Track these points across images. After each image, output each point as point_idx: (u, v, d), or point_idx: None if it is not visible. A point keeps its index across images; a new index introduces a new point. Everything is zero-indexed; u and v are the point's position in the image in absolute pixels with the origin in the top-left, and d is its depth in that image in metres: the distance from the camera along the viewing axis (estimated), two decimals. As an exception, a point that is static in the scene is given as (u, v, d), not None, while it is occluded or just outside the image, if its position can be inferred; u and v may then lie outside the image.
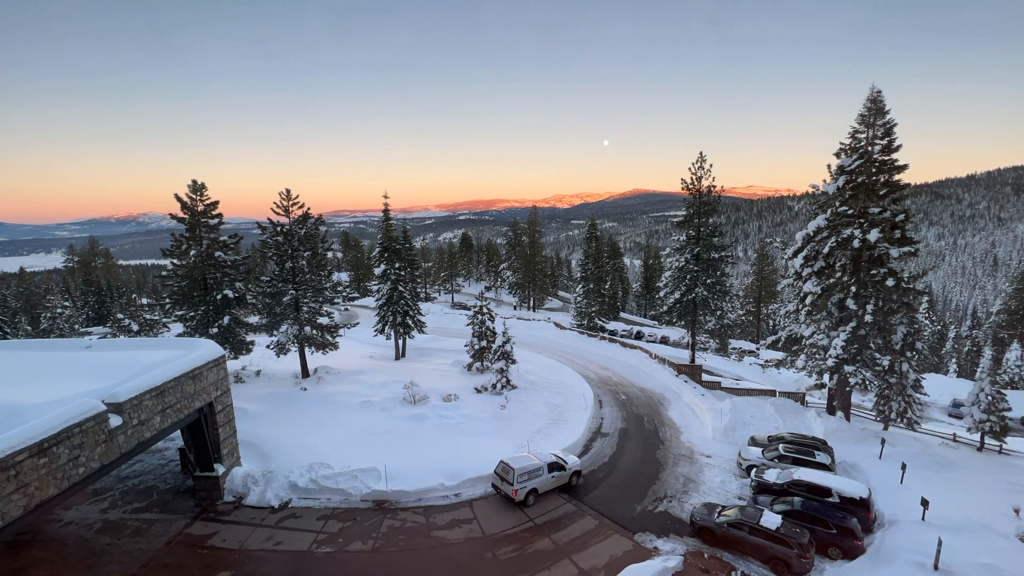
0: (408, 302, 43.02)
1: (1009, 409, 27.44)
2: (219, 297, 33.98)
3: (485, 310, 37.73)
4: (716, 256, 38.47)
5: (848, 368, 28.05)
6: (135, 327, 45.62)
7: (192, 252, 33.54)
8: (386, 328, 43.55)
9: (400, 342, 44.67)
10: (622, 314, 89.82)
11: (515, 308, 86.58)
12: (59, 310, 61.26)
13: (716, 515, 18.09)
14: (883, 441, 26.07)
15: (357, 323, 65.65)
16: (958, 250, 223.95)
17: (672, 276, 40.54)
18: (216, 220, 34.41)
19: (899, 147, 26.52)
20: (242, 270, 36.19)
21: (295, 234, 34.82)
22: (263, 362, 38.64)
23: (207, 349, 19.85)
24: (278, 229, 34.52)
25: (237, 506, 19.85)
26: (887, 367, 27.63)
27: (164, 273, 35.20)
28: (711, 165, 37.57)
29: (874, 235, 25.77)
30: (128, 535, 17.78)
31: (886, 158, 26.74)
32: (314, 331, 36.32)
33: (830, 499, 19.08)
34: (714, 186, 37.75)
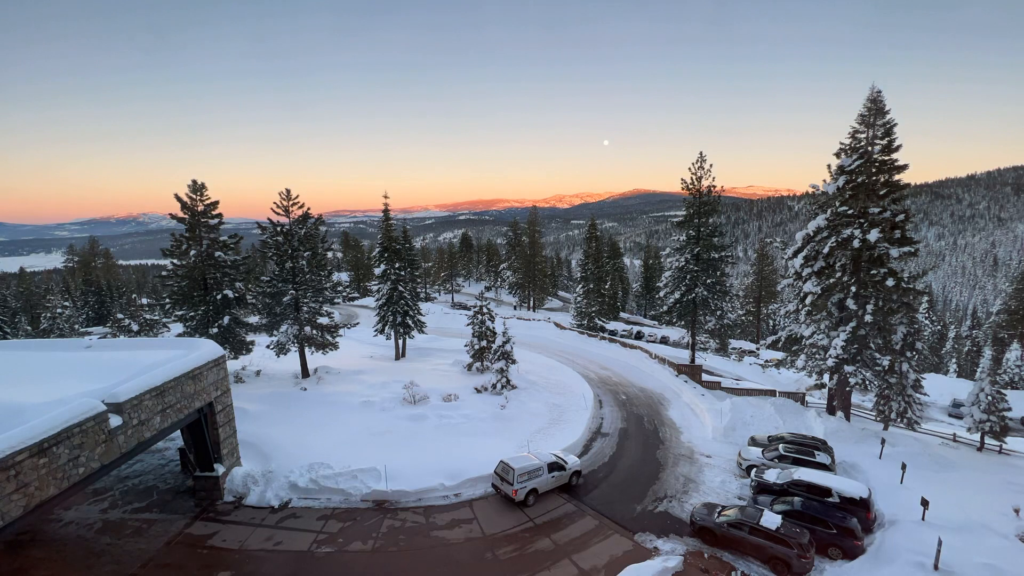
0: (408, 302, 43.02)
1: (1009, 409, 27.44)
2: (219, 297, 33.98)
3: (485, 310, 37.74)
4: (716, 256, 38.48)
5: (848, 368, 28.05)
6: (135, 327, 45.63)
7: (192, 252, 33.55)
8: (386, 328, 43.55)
9: (400, 342, 44.67)
10: (622, 314, 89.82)
11: (515, 308, 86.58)
12: (59, 310, 61.27)
13: (716, 515, 18.09)
14: (883, 441, 26.07)
15: (357, 323, 65.65)
16: (958, 250, 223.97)
17: (672, 276, 40.54)
18: (216, 220, 34.42)
19: (899, 147, 26.52)
20: (242, 270, 36.19)
21: (295, 234, 34.82)
22: (263, 362, 38.64)
23: (207, 349, 19.85)
24: (278, 229, 34.52)
25: (237, 506, 19.85)
26: (887, 367, 27.63)
27: (164, 273, 35.20)
28: (711, 165, 37.62)
29: (874, 235, 25.77)
30: (128, 535, 17.78)
31: (886, 158, 26.74)
32: (314, 331, 36.32)
33: (830, 499, 19.08)
34: (714, 186, 37.76)
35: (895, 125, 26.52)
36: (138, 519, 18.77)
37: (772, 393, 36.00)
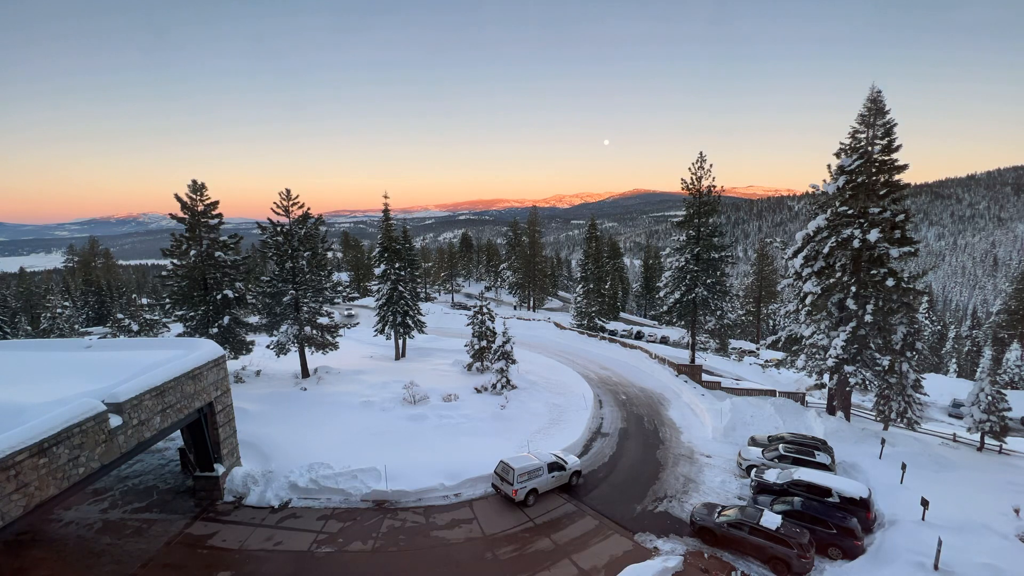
0: (408, 302, 43.02)
1: (1009, 409, 27.45)
2: (219, 297, 33.98)
3: (485, 310, 37.74)
4: (716, 256, 38.49)
5: (848, 368, 28.05)
6: (135, 327, 45.63)
7: (192, 252, 33.55)
8: (386, 328, 43.55)
9: (400, 342, 44.67)
10: (622, 314, 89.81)
11: (515, 308, 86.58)
12: (59, 310, 61.24)
13: (716, 515, 18.09)
14: (883, 441, 26.07)
15: (357, 323, 65.65)
16: (958, 250, 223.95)
17: (672, 276, 40.55)
18: (216, 220, 34.42)
19: (899, 147, 26.52)
20: (242, 270, 36.19)
21: (295, 234, 34.82)
22: (263, 362, 38.64)
23: (207, 349, 19.86)
24: (278, 229, 34.52)
25: (237, 506, 19.85)
26: (887, 367, 27.63)
27: (164, 273, 35.21)
28: (711, 165, 37.64)
29: (874, 235, 25.77)
30: (128, 535, 17.79)
31: (886, 158, 26.75)
32: (314, 331, 36.33)
33: (830, 499, 19.08)
34: (714, 186, 37.77)
35: (895, 125, 26.53)
36: (138, 519, 18.77)
37: (772, 393, 36.00)
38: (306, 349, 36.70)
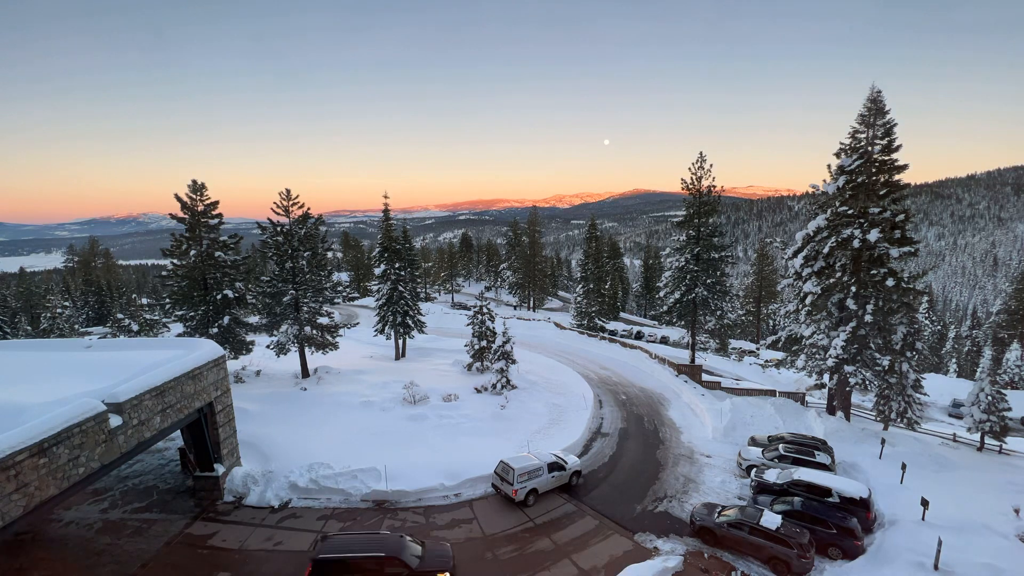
0: (408, 302, 43.02)
1: (1009, 409, 27.45)
2: (219, 297, 33.99)
3: (485, 310, 37.74)
4: (716, 256, 38.48)
5: (848, 368, 28.05)
6: (135, 327, 45.67)
7: (192, 252, 33.56)
8: (386, 328, 43.55)
9: (400, 342, 44.67)
10: (622, 314, 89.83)
11: (515, 308, 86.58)
12: (59, 310, 61.24)
13: (716, 515, 18.09)
14: (883, 441, 26.07)
15: (357, 323, 65.66)
16: (958, 250, 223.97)
17: (672, 276, 40.55)
18: (216, 220, 34.44)
19: (899, 147, 26.52)
20: (242, 270, 36.21)
21: (295, 234, 34.82)
22: (263, 362, 38.64)
23: (207, 349, 19.86)
24: (278, 229, 34.52)
25: (237, 506, 19.85)
26: (887, 367, 27.63)
27: (164, 273, 35.23)
28: (711, 165, 37.63)
29: (874, 235, 25.77)
30: (128, 535, 17.79)
31: (886, 158, 26.75)
32: (314, 331, 36.33)
33: (830, 499, 19.08)
34: (714, 186, 37.77)
35: (895, 125, 26.52)
36: (138, 519, 18.77)
37: (772, 393, 35.99)
38: (306, 349, 36.71)
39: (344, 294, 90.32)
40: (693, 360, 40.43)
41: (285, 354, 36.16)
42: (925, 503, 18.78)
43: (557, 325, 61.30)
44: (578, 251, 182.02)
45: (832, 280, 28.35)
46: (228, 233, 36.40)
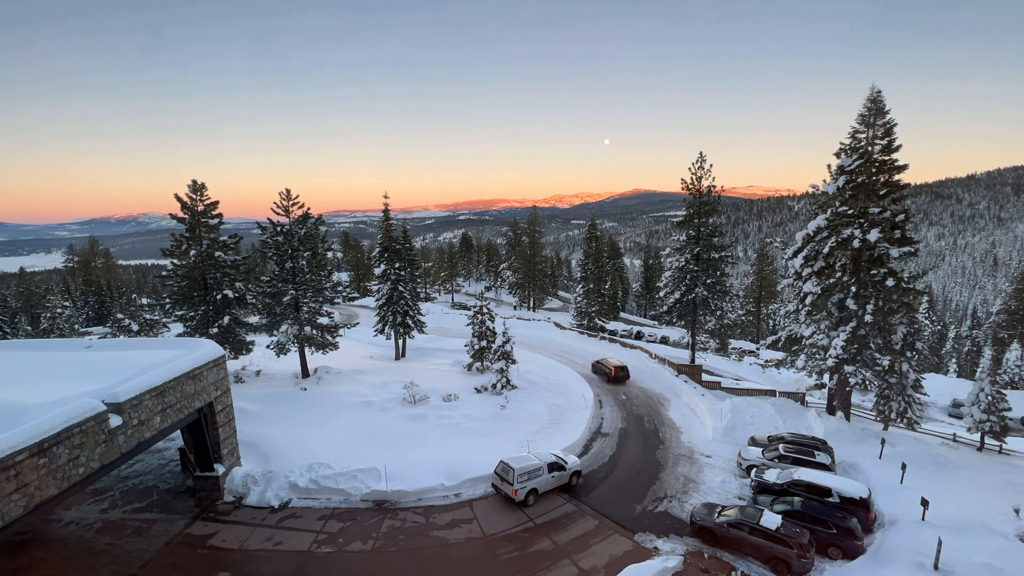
0: (408, 302, 43.02)
1: (1009, 409, 27.46)
2: (219, 297, 33.99)
3: (485, 310, 37.74)
4: (716, 256, 38.49)
5: (848, 368, 28.05)
6: (135, 327, 45.67)
7: (192, 252, 33.56)
8: (386, 328, 43.55)
9: (400, 342, 44.67)
10: (622, 314, 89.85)
11: (515, 308, 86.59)
12: (59, 310, 61.23)
13: (716, 515, 18.09)
14: (883, 441, 26.08)
15: (357, 323, 65.66)
16: (958, 250, 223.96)
17: (672, 276, 40.55)
18: (216, 220, 34.44)
19: (899, 147, 26.52)
20: (242, 270, 36.20)
21: (295, 234, 34.82)
22: (263, 362, 38.64)
23: (207, 349, 19.86)
24: (278, 229, 34.51)
25: (237, 506, 19.85)
26: (887, 367, 27.63)
27: (164, 273, 35.23)
28: (711, 165, 37.65)
29: (874, 235, 25.77)
30: (128, 535, 17.79)
31: (886, 158, 26.75)
32: (314, 331, 36.32)
33: (830, 499, 19.07)
34: (714, 186, 37.79)
35: (895, 125, 26.53)
36: (138, 519, 18.77)
37: (772, 393, 35.99)
38: (306, 349, 36.70)
39: (344, 294, 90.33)
40: (693, 360, 40.43)
41: (285, 354, 36.15)
42: (925, 503, 18.78)
43: (557, 325, 61.30)
44: (578, 251, 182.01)
45: (832, 280, 28.35)
46: (228, 233, 36.39)
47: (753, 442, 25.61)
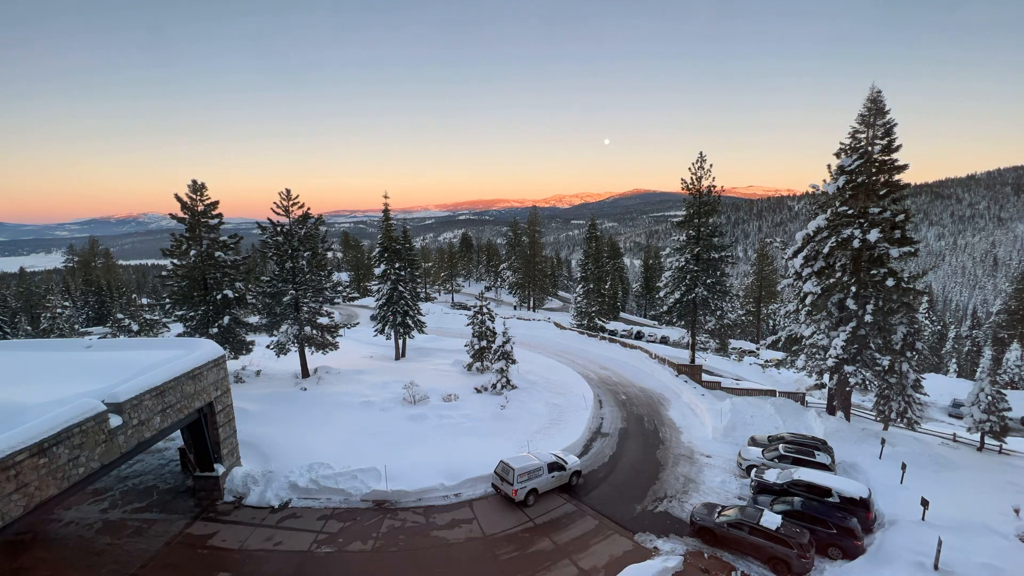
0: (408, 302, 43.02)
1: (1009, 409, 27.45)
2: (219, 297, 33.99)
3: (485, 310, 37.74)
4: (716, 256, 38.48)
5: (848, 368, 28.05)
6: (135, 327, 45.68)
7: (192, 252, 33.56)
8: (386, 328, 43.55)
9: (400, 342, 44.67)
10: (622, 314, 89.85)
11: (515, 308, 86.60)
12: (59, 310, 61.25)
13: (716, 515, 18.09)
14: (883, 441, 26.08)
15: (357, 323, 65.67)
16: (958, 250, 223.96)
17: (672, 276, 40.55)
18: (216, 220, 34.44)
19: (899, 147, 26.52)
20: (242, 270, 36.20)
21: (295, 234, 34.82)
22: (263, 362, 38.64)
23: (207, 349, 19.86)
24: (278, 229, 34.51)
25: (237, 506, 19.85)
26: (887, 367, 27.62)
27: (164, 273, 35.23)
28: (711, 165, 37.63)
29: (874, 235, 25.77)
30: (128, 535, 17.79)
31: (886, 158, 26.75)
32: (314, 331, 36.32)
33: (830, 499, 19.07)
34: (714, 186, 37.77)
35: (895, 125, 26.53)
36: (138, 519, 18.77)
37: (772, 393, 35.99)
38: (306, 349, 36.70)
39: (344, 294, 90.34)
40: (693, 360, 40.42)
41: (285, 354, 36.15)
42: (925, 503, 18.78)
43: (557, 325, 61.30)
44: (578, 251, 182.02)
45: (832, 280, 28.35)
46: (228, 233, 36.39)
47: (753, 442, 25.61)
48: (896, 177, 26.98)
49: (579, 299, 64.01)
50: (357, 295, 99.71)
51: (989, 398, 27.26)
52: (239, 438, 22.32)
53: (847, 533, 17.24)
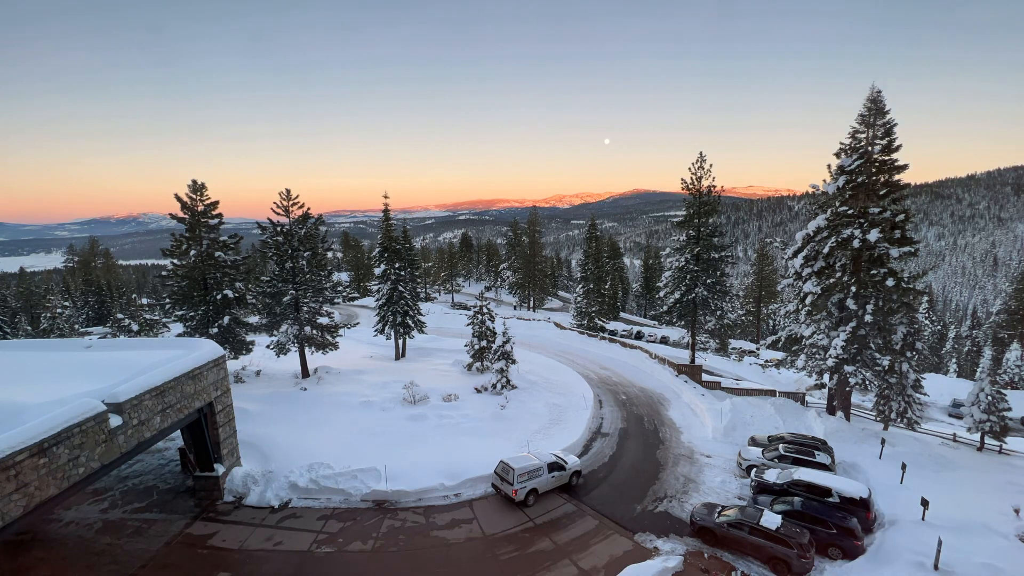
0: (408, 302, 43.02)
1: (1009, 409, 27.44)
2: (219, 297, 33.99)
3: (485, 310, 37.74)
4: (716, 256, 38.48)
5: (848, 368, 28.05)
6: (135, 327, 45.68)
7: (192, 252, 33.56)
8: (386, 328, 43.55)
9: (400, 342, 44.67)
10: (622, 314, 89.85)
11: (515, 308, 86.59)
12: (59, 310, 61.24)
13: (716, 515, 18.09)
14: (883, 441, 26.07)
15: (357, 323, 65.67)
16: (958, 250, 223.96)
17: (672, 276, 40.54)
18: (216, 220, 34.45)
19: (899, 147, 26.52)
20: (242, 270, 36.20)
21: (295, 234, 34.82)
22: (263, 362, 38.64)
23: (207, 349, 19.86)
24: (278, 229, 34.51)
25: (237, 506, 19.85)
26: (887, 367, 27.62)
27: (164, 273, 35.23)
28: (711, 165, 37.63)
29: (874, 235, 25.77)
30: (128, 535, 17.79)
31: (886, 158, 26.75)
32: (314, 331, 36.32)
33: (830, 499, 19.07)
34: (714, 186, 37.77)
35: (895, 125, 26.52)
36: (138, 519, 18.77)
37: (772, 393, 35.99)
38: (306, 349, 36.70)
39: (344, 294, 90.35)
40: (693, 360, 40.42)
41: (285, 354, 36.15)
42: (925, 503, 18.78)
43: (557, 325, 61.30)
44: (578, 251, 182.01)
45: (832, 280, 28.35)
46: (228, 233, 36.39)
47: (753, 442, 25.61)
48: (896, 177, 26.97)
49: (579, 299, 64.00)
50: (357, 295, 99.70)
51: (989, 398, 27.26)
52: (239, 438, 22.33)
53: (847, 533, 17.24)
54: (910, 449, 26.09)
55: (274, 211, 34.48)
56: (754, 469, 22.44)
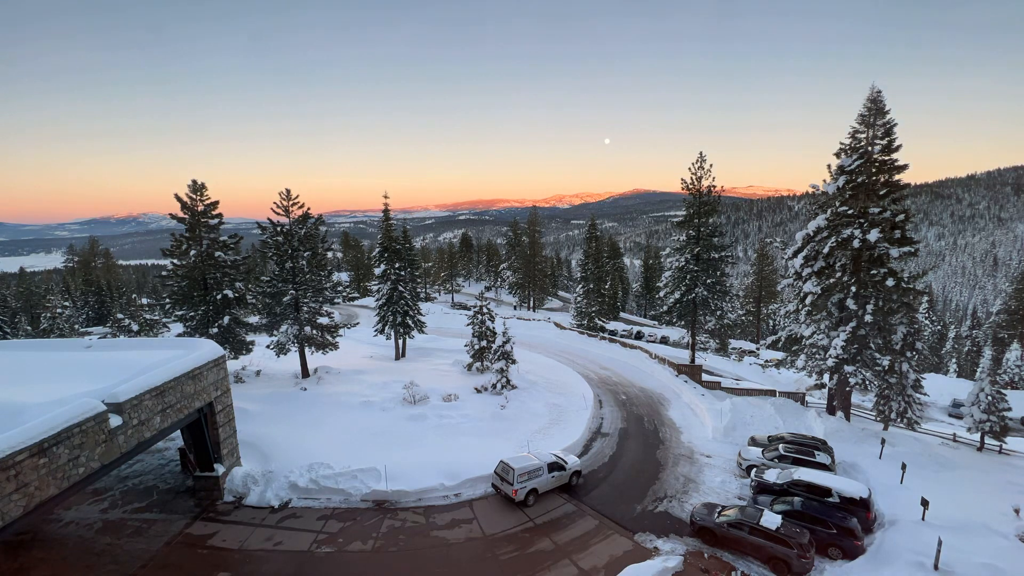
0: (408, 302, 43.02)
1: (1009, 409, 27.46)
2: (219, 297, 33.99)
3: (485, 310, 37.73)
4: (716, 256, 38.48)
5: (848, 368, 28.05)
6: (135, 327, 45.67)
7: (192, 252, 33.56)
8: (386, 328, 43.55)
9: (400, 342, 44.67)
10: (622, 314, 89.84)
11: (515, 308, 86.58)
12: (59, 310, 61.23)
13: (716, 515, 18.09)
14: (883, 441, 26.07)
15: (357, 323, 65.66)
16: (958, 250, 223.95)
17: (672, 276, 40.55)
18: (216, 220, 34.44)
19: (899, 147, 26.53)
20: (242, 270, 36.19)
21: (295, 234, 34.82)
22: (263, 362, 38.64)
23: (207, 349, 19.86)
24: (278, 229, 34.51)
25: (237, 506, 19.85)
26: (887, 367, 27.62)
27: (164, 273, 35.22)
28: (711, 165, 37.63)
29: (874, 235, 25.77)
30: (128, 535, 17.79)
31: (886, 158, 26.75)
32: (314, 331, 36.32)
33: (830, 499, 19.08)
34: (714, 186, 37.77)
35: (895, 125, 26.53)
36: (138, 519, 18.77)
37: (772, 393, 35.99)
38: (306, 349, 36.70)
39: (344, 294, 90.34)
40: (693, 360, 40.42)
41: (285, 354, 36.15)
42: (925, 503, 18.78)
43: (557, 325, 61.29)
44: (578, 251, 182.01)
45: (832, 280, 28.35)
46: (228, 233, 36.38)
47: (753, 442, 25.61)
48: (896, 177, 26.98)
49: (579, 299, 64.00)
50: (357, 295, 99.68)
51: (989, 398, 27.27)
52: (239, 438, 22.33)
53: (847, 533, 17.24)
54: (910, 449, 26.09)
55: (274, 211, 34.48)
56: (754, 469, 22.45)
